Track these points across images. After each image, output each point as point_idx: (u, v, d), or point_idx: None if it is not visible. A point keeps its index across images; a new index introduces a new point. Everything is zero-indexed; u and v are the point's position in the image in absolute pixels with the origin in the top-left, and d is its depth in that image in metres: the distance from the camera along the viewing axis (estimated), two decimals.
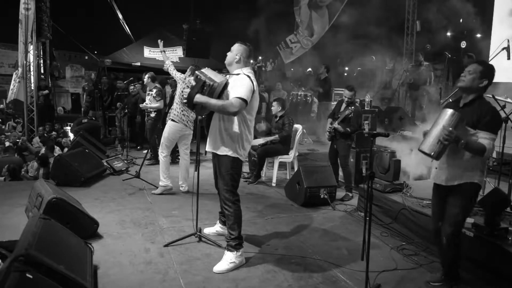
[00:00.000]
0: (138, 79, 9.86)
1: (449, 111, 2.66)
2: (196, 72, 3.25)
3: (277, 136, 6.01)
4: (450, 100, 7.26)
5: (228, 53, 3.38)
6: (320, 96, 10.06)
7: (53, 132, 9.38)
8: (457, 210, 2.80)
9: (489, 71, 2.75)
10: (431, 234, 3.18)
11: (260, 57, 14.63)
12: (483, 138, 2.65)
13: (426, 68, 8.62)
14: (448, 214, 2.86)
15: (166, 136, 5.16)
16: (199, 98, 3.10)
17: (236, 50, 3.34)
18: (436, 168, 2.92)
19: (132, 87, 8.88)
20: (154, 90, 6.96)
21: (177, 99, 5.19)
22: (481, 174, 2.83)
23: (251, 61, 3.50)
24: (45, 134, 8.98)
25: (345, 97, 5.44)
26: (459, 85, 2.83)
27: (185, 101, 3.20)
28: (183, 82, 5.10)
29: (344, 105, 5.45)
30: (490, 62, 5.18)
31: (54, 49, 12.81)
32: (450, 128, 2.56)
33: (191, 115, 5.19)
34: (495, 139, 2.70)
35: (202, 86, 3.11)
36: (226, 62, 3.40)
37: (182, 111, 5.12)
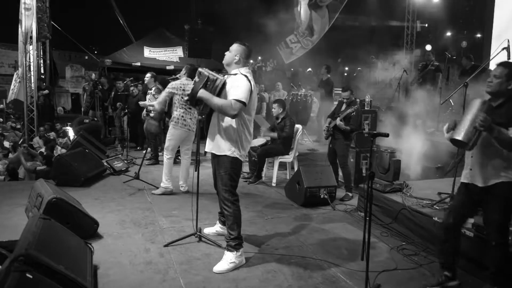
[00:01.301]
0: (138, 79, 9.85)
1: (479, 100, 2.62)
2: (199, 69, 3.25)
3: (275, 134, 6.03)
4: (451, 101, 7.26)
5: (227, 53, 3.36)
6: (322, 97, 10.05)
7: (52, 132, 9.36)
8: (497, 215, 2.76)
9: None
10: (440, 228, 3.12)
11: (260, 57, 14.64)
12: None
13: (436, 68, 8.54)
14: (489, 220, 2.83)
15: (170, 140, 5.16)
16: (202, 93, 3.09)
17: (235, 51, 3.32)
18: (470, 169, 2.87)
19: (132, 88, 8.86)
20: (153, 89, 6.97)
21: (177, 104, 5.16)
22: None
23: (251, 61, 3.50)
24: (46, 134, 8.97)
25: (343, 98, 5.48)
26: (487, 91, 2.77)
27: (187, 98, 3.19)
28: (178, 89, 5.07)
29: (344, 105, 5.47)
30: (491, 62, 5.19)
31: (54, 49, 12.80)
32: (484, 114, 2.51)
33: (193, 117, 5.17)
34: None
35: (206, 82, 3.12)
36: (224, 62, 3.37)
37: (182, 116, 5.10)
